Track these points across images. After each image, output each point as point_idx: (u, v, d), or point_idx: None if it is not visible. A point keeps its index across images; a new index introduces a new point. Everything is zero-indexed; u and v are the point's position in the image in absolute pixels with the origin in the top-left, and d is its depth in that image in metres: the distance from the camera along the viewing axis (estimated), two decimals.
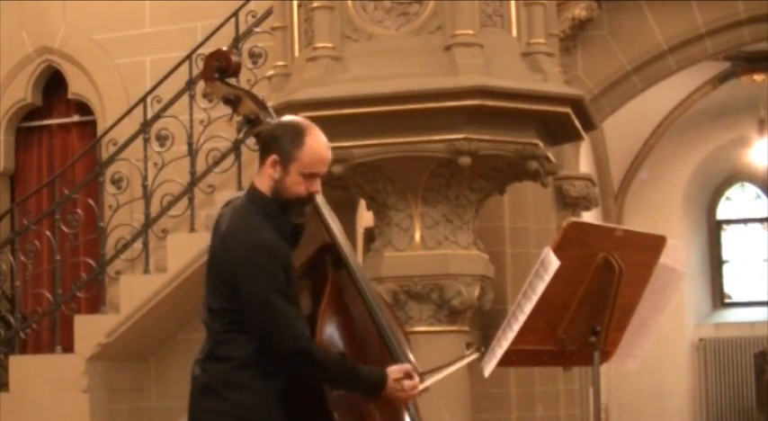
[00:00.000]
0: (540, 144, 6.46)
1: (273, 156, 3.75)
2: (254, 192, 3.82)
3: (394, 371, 3.82)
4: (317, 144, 3.77)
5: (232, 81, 4.29)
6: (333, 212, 4.01)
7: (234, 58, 4.25)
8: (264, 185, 3.79)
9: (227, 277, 3.71)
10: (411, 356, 4.00)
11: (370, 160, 6.32)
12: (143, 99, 8.35)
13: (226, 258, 3.73)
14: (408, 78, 6.23)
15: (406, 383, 3.82)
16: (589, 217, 10.07)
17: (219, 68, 4.23)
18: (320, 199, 3.95)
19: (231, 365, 3.73)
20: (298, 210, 3.80)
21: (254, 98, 4.25)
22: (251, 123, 4.19)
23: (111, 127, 8.58)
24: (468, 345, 6.96)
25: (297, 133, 3.75)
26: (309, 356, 3.69)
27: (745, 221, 15.64)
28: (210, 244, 3.86)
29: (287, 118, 3.97)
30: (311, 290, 3.92)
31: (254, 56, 8.04)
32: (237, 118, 4.24)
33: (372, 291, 4.01)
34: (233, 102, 4.23)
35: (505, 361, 3.69)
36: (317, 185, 3.80)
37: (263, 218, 3.74)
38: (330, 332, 3.87)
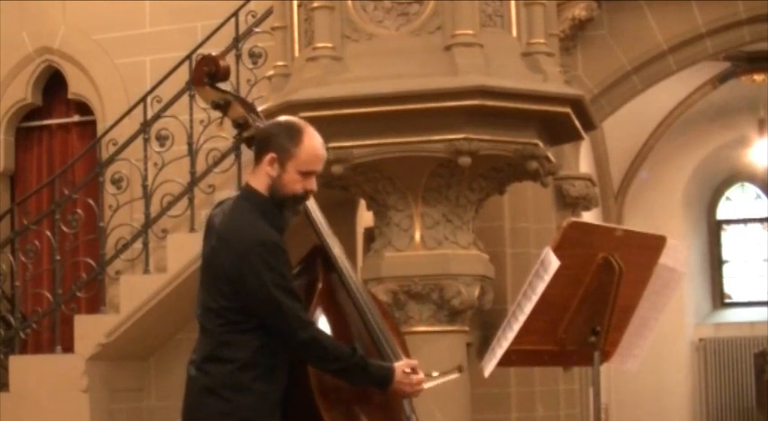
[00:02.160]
0: (540, 144, 6.45)
1: (271, 154, 3.77)
2: (249, 191, 3.83)
3: (402, 365, 3.85)
4: (315, 142, 3.81)
5: (221, 85, 4.30)
6: (323, 216, 4.01)
7: (223, 64, 4.26)
8: (261, 184, 3.80)
9: (230, 275, 3.69)
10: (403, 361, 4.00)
11: (370, 160, 6.32)
12: (143, 99, 8.36)
13: (226, 256, 3.72)
14: (408, 78, 6.22)
15: (414, 377, 3.85)
16: (589, 217, 10.06)
17: (209, 73, 4.24)
18: (311, 203, 3.96)
19: (233, 367, 3.72)
20: (293, 208, 3.83)
21: (243, 102, 4.26)
22: (240, 128, 4.20)
23: (111, 127, 8.58)
24: (468, 346, 6.97)
25: (294, 131, 3.79)
26: (320, 346, 3.71)
27: (745, 221, 15.61)
28: (204, 244, 3.86)
29: (282, 118, 4.00)
30: (302, 291, 3.89)
31: (254, 56, 8.04)
32: (228, 122, 4.26)
33: (364, 295, 4.01)
34: (222, 106, 4.24)
35: (505, 361, 3.69)
36: (313, 184, 3.82)
37: (259, 216, 3.75)
38: None
